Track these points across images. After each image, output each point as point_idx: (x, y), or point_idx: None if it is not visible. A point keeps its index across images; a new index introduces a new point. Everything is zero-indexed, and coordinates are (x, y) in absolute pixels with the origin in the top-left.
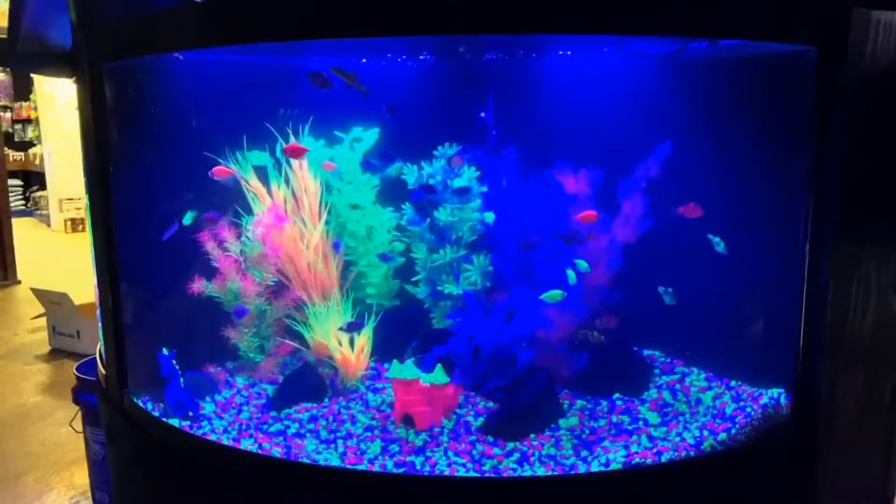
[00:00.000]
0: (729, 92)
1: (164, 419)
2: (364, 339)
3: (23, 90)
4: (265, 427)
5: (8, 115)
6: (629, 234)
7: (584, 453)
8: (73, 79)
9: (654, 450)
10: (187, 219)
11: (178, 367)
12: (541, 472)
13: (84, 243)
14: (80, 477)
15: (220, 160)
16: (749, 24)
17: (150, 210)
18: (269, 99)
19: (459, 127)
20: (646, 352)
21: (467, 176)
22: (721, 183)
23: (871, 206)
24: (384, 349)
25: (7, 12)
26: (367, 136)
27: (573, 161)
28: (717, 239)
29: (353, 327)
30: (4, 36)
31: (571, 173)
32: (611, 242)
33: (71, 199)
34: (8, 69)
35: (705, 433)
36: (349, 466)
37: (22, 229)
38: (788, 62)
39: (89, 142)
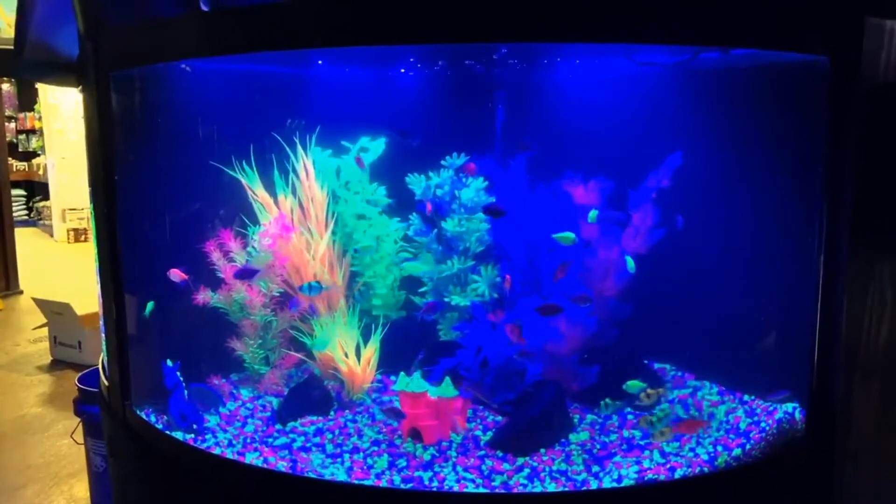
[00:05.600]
0: (741, 102)
1: (168, 432)
2: (371, 350)
3: (27, 101)
4: (270, 440)
5: (12, 125)
6: (639, 245)
7: (595, 469)
8: (80, 88)
9: (668, 465)
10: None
11: (181, 378)
12: (551, 487)
13: (86, 254)
14: (81, 490)
15: (226, 169)
16: (761, 33)
17: (155, 219)
18: (276, 109)
19: (468, 137)
20: (656, 365)
21: (475, 186)
22: (733, 194)
23: (886, 217)
24: (391, 361)
25: (14, 22)
26: (373, 146)
27: (582, 171)
28: None
29: (245, 274)
30: (11, 47)
31: (581, 183)
32: (620, 254)
33: (74, 210)
34: (13, 80)
35: (719, 448)
36: (356, 481)
37: (25, 239)
38: (801, 71)
39: (95, 150)
